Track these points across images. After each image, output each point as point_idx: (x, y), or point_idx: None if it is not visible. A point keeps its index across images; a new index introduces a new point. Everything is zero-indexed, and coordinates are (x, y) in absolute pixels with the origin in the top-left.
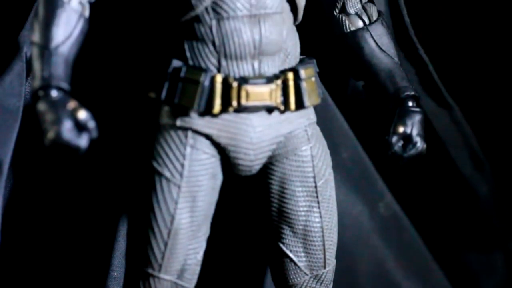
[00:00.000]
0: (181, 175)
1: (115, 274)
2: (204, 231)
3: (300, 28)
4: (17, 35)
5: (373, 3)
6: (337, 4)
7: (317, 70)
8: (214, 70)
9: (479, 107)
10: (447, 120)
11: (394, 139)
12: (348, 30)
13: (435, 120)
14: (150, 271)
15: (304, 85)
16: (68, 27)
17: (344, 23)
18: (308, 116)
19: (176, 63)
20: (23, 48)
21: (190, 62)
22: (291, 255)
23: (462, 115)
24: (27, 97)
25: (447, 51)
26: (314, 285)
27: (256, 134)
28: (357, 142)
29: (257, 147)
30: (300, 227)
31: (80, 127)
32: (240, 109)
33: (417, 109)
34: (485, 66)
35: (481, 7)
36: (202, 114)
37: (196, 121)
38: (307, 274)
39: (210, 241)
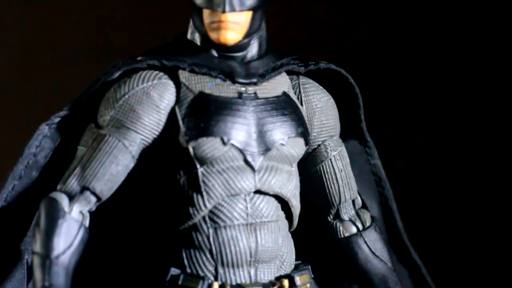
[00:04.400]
0: None
1: None
2: None
3: (295, 234)
4: (19, 242)
5: (367, 209)
6: (331, 211)
7: (312, 276)
8: (211, 278)
9: None
10: None
11: None
12: (342, 236)
13: None
14: None
15: None
16: (68, 237)
17: (338, 229)
18: None
19: (174, 270)
20: (24, 255)
21: (188, 270)
22: None
23: None
24: None
25: (440, 248)
26: None
27: None
28: None
29: None
30: None
31: None
32: None
33: None
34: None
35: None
36: None
37: None
38: None
39: None
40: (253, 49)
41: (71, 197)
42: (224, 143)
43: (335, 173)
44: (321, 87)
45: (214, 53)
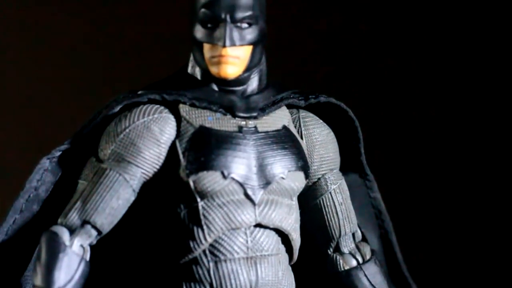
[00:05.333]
0: None
1: None
2: None
3: (295, 267)
4: (19, 276)
5: (367, 242)
6: (331, 244)
7: None
8: None
9: None
10: None
11: None
12: (342, 269)
13: None
14: None
15: None
16: (69, 271)
17: (338, 262)
18: None
19: None
20: None
21: None
22: None
23: None
24: None
25: (441, 280)
26: None
27: None
28: None
29: None
30: None
31: None
32: None
33: None
34: None
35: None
36: None
37: None
38: None
39: None
40: (253, 83)
41: (72, 231)
42: (224, 177)
43: (335, 206)
44: (321, 121)
45: (215, 87)
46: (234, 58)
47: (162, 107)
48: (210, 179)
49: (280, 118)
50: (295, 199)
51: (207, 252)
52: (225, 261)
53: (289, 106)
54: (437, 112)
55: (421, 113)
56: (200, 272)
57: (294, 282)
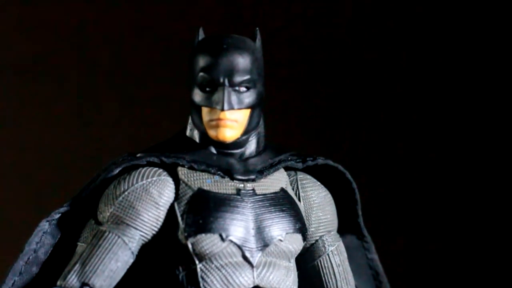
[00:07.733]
0: None
1: None
2: None
3: None
4: None
5: None
6: None
7: None
8: None
9: None
10: None
11: None
12: None
13: None
14: None
15: None
16: None
17: None
18: None
19: None
20: None
21: None
22: None
23: None
24: None
25: None
26: None
27: None
28: None
29: None
30: None
31: None
32: None
33: None
34: None
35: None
36: None
37: None
38: None
39: None
40: (251, 146)
41: None
42: (222, 239)
43: (332, 268)
44: (318, 183)
45: (213, 150)
46: (232, 121)
47: (161, 170)
48: (208, 242)
49: (278, 180)
50: (293, 261)
51: None
52: None
53: (286, 168)
54: (438, 173)
55: (419, 171)
56: None
57: None
